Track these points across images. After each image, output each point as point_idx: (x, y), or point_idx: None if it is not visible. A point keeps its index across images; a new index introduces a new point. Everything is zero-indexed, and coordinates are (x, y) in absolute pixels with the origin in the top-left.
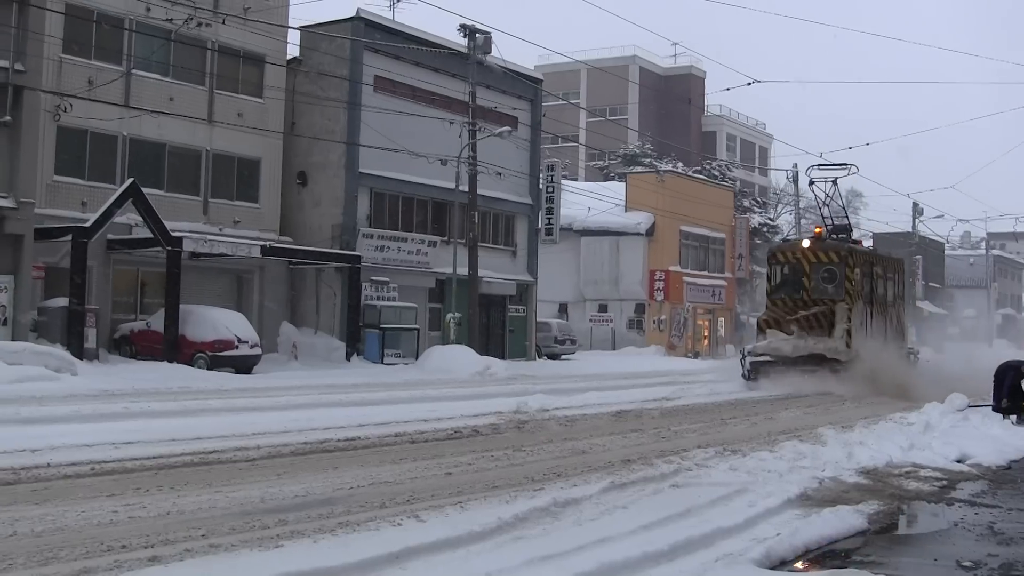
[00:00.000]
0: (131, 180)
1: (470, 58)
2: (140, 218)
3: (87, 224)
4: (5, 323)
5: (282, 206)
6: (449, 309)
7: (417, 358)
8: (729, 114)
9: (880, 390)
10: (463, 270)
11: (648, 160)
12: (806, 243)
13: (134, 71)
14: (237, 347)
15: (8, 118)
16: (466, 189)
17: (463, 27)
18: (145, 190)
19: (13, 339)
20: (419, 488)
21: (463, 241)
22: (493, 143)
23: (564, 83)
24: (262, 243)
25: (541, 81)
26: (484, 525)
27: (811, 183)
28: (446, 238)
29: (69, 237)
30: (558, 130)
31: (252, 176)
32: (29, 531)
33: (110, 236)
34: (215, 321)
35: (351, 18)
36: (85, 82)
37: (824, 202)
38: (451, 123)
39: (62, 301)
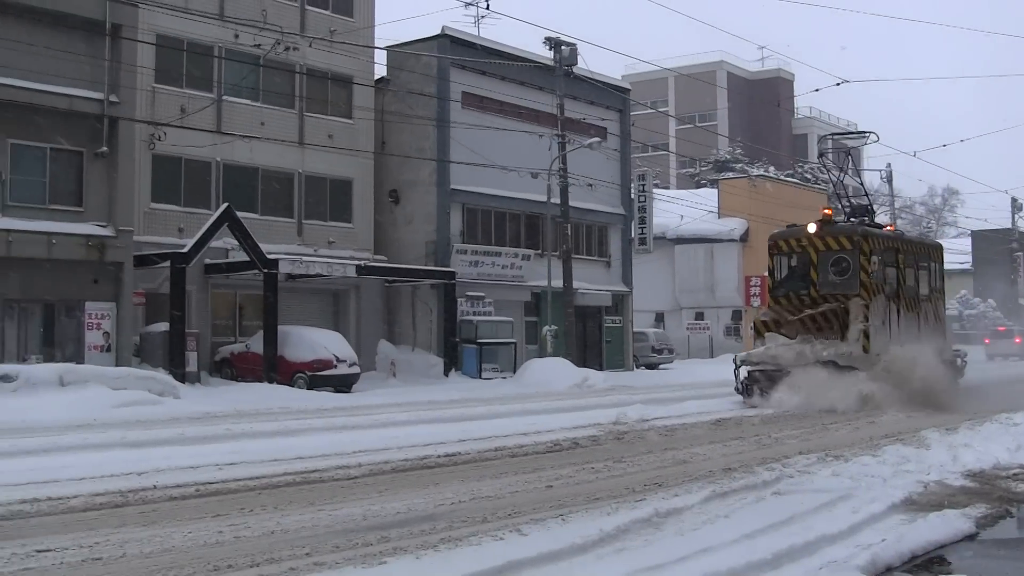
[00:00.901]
0: (226, 205)
1: (557, 70)
2: (236, 242)
3: (184, 250)
4: (108, 349)
5: (375, 225)
6: (545, 322)
7: (515, 372)
8: (820, 116)
9: (910, 400)
10: (558, 282)
11: (739, 166)
12: (812, 227)
13: (225, 97)
14: (336, 366)
15: (105, 149)
16: (558, 201)
17: (548, 40)
18: (240, 214)
19: (117, 364)
20: (520, 502)
21: (557, 253)
22: (583, 154)
23: (652, 91)
24: (357, 263)
25: (629, 90)
26: (586, 537)
27: (821, 155)
28: (539, 251)
29: (167, 263)
30: (648, 139)
31: (344, 196)
32: (138, 552)
33: (207, 260)
34: (313, 341)
35: (436, 36)
36: (178, 110)
37: (838, 177)
38: (540, 136)
39: (163, 326)
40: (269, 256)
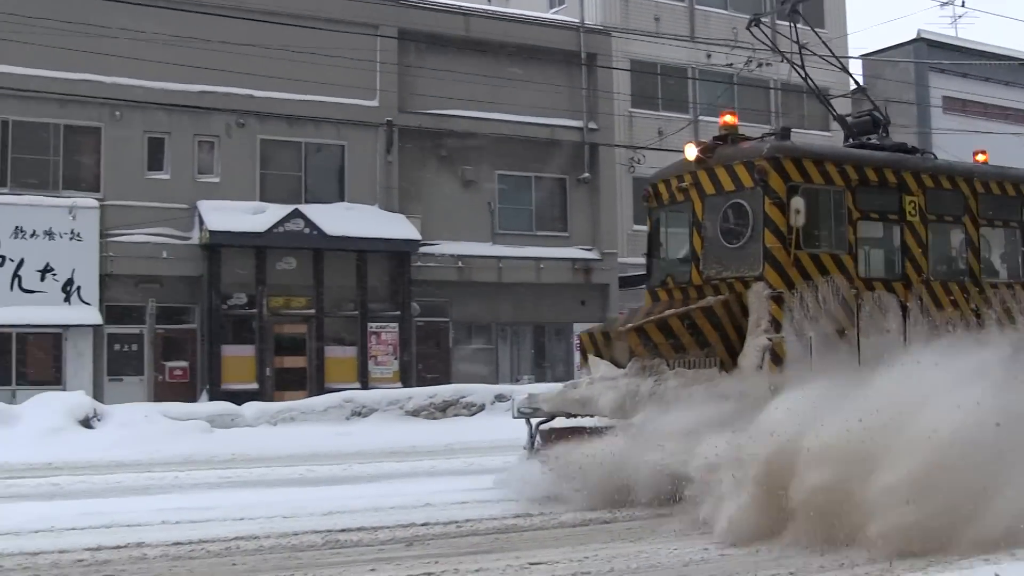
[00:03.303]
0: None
1: None
2: None
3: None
4: None
5: None
6: None
7: None
8: None
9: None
10: None
11: None
12: (691, 151)
13: (701, 118)
14: None
15: (587, 175)
16: None
17: None
18: None
19: None
20: None
21: None
22: None
23: None
24: None
25: None
26: None
27: (752, 22)
28: None
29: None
30: None
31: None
32: (624, 568)
33: None
34: None
35: (912, 40)
36: (655, 133)
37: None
38: None
39: None
40: None
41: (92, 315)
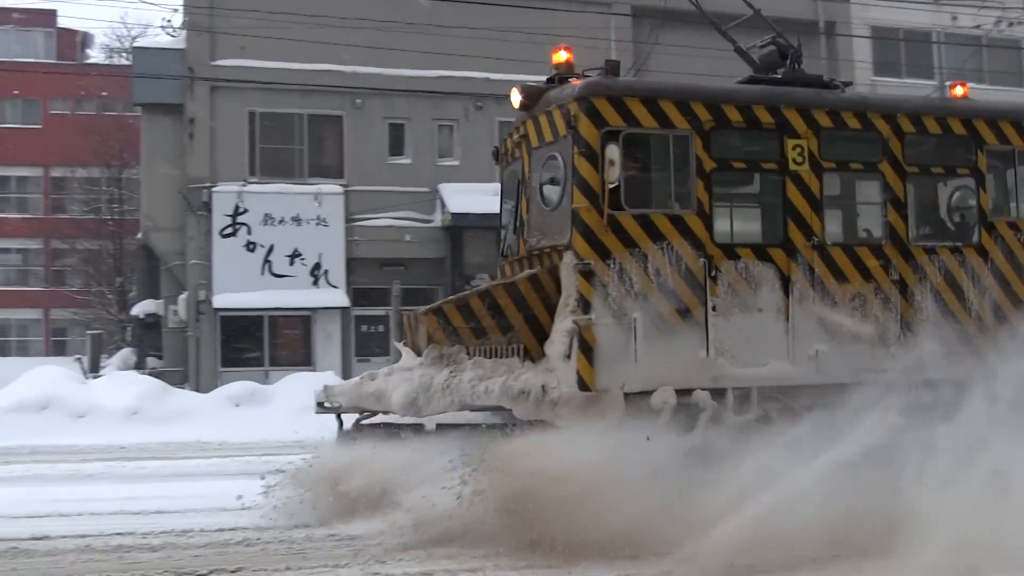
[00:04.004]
0: None
1: None
2: None
3: None
4: None
5: None
6: None
7: None
8: None
9: None
10: None
11: None
12: (516, 97)
13: (947, 83)
14: None
15: None
16: None
17: None
18: None
19: None
20: None
21: None
22: None
23: None
24: None
25: None
26: None
27: None
28: None
29: None
30: None
31: None
32: None
33: None
34: None
35: None
36: None
37: None
38: None
39: None
40: None
41: (340, 298)
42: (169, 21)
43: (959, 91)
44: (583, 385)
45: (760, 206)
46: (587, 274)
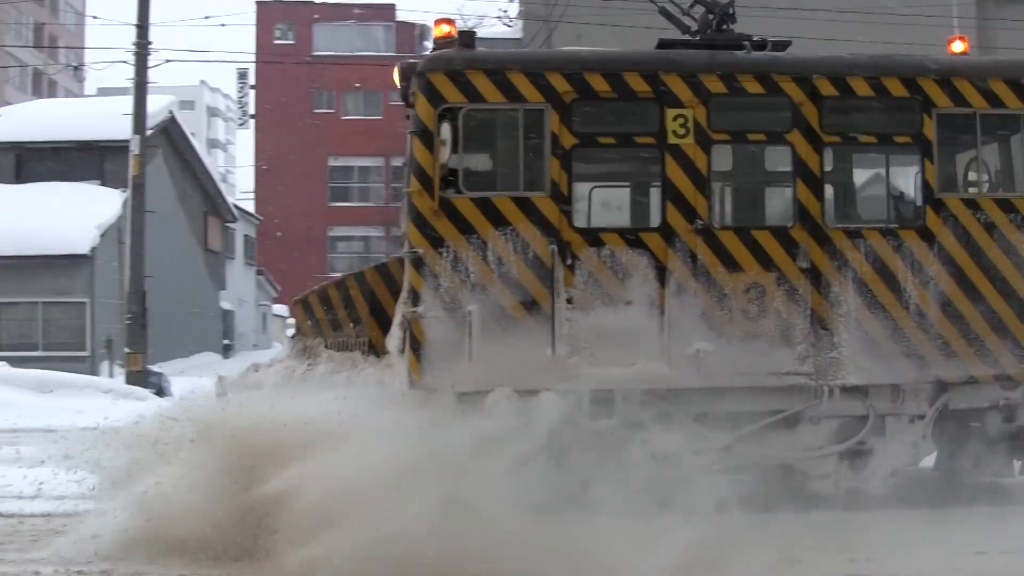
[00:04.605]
0: None
1: None
2: None
3: None
4: None
5: None
6: None
7: None
8: None
9: None
10: None
11: None
12: (396, 77)
13: None
14: None
15: None
16: None
17: None
18: None
19: None
20: None
21: None
22: None
23: None
24: None
25: None
26: None
27: None
28: None
29: None
30: None
31: None
32: None
33: None
34: None
35: None
36: None
37: None
38: None
39: None
40: None
41: None
42: (505, 11)
43: (958, 46)
44: (416, 380)
45: (633, 186)
46: (416, 263)
